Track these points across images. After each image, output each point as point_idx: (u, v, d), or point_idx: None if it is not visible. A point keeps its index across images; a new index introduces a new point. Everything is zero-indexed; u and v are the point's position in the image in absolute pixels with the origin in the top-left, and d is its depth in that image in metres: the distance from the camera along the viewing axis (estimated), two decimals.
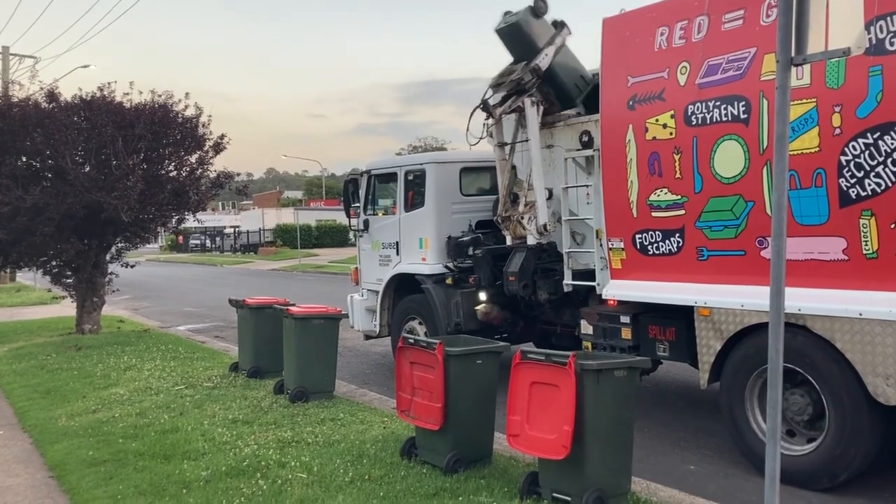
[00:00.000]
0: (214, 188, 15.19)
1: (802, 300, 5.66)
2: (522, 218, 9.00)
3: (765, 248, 6.02)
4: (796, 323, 5.75)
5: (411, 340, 6.35)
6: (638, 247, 7.15)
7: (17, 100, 14.21)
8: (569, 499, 5.13)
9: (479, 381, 6.16)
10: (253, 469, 6.20)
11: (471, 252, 9.77)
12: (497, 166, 9.37)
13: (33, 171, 14.01)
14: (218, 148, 14.96)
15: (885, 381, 5.34)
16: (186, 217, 15.74)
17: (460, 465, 5.98)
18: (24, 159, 13.93)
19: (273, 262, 46.11)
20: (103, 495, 5.89)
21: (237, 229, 69.77)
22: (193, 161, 14.86)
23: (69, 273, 15.05)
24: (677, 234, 6.76)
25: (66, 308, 17.12)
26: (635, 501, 5.34)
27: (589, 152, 7.95)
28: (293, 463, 6.31)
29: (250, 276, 36.08)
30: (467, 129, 9.21)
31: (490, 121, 9.28)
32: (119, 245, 15.53)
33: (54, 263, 14.96)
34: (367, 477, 5.95)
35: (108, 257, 15.40)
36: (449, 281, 9.88)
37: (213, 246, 71.14)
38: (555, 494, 5.22)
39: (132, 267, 16.45)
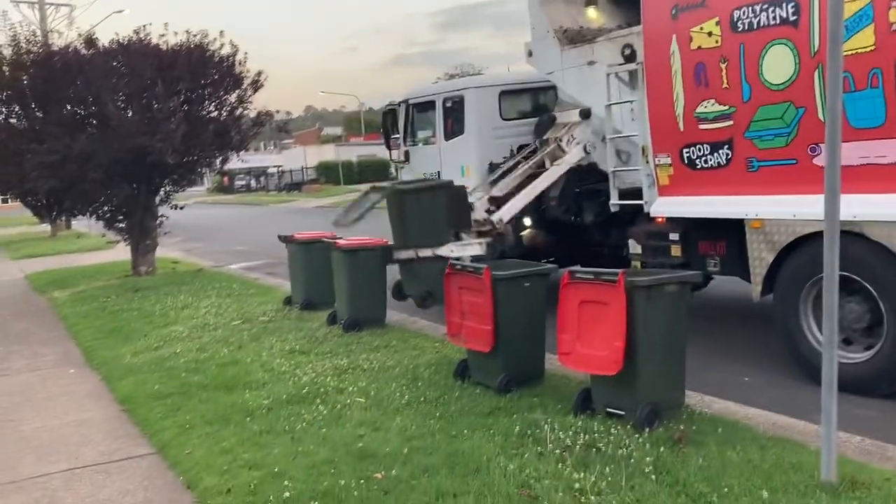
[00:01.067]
0: (255, 127, 15.26)
1: (858, 206, 5.50)
2: (561, 140, 8.87)
3: (817, 155, 5.86)
4: (852, 230, 5.60)
5: (458, 266, 6.40)
6: (686, 161, 7.02)
7: (57, 48, 14.35)
8: (623, 413, 5.20)
9: (528, 303, 6.20)
10: (312, 396, 6.39)
11: None
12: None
13: (78, 118, 14.24)
14: (256, 86, 14.97)
15: None
16: (230, 157, 15.88)
17: (512, 384, 6.08)
18: (68, 108, 14.13)
19: (317, 199, 46.47)
20: (172, 425, 6.15)
21: (280, 168, 70.31)
22: (233, 100, 14.91)
23: (121, 217, 15.39)
24: (726, 146, 6.61)
25: (121, 252, 17.58)
26: (689, 414, 5.38)
27: (632, 66, 7.72)
28: (351, 388, 6.49)
29: (296, 214, 36.50)
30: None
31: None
32: (167, 188, 15.80)
33: (106, 209, 15.30)
34: (422, 399, 6.10)
35: (157, 200, 15.69)
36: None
37: (258, 186, 71.95)
38: (609, 409, 5.29)
39: (181, 209, 16.75)
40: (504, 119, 10.30)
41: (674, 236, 7.33)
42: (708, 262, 7.12)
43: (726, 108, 6.56)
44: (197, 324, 10.06)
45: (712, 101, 6.67)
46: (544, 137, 9.13)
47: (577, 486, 4.25)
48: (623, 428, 5.05)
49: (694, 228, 7.21)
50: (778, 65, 6.10)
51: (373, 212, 8.65)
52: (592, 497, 4.10)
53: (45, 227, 31.41)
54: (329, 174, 59.77)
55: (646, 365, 5.10)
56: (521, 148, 9.98)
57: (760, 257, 6.44)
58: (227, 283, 13.69)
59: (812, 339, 6.25)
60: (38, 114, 14.01)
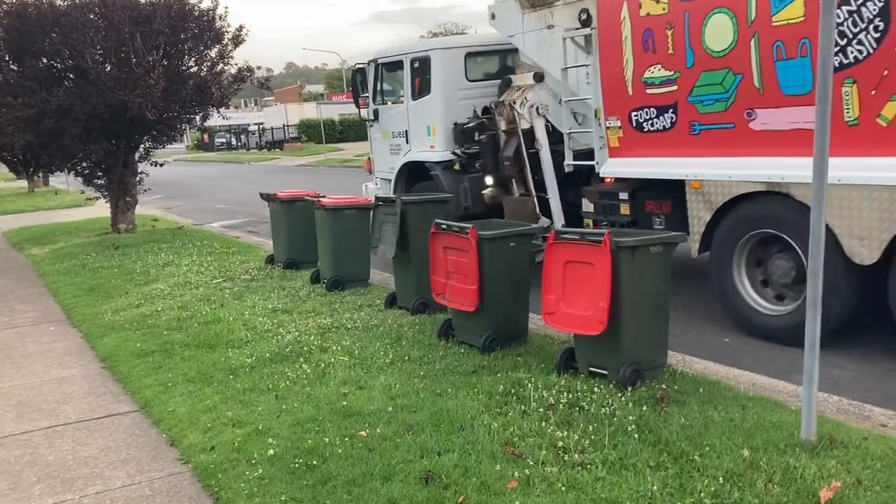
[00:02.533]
0: (236, 82, 14.99)
1: (786, 169, 6.00)
2: (515, 102, 9.05)
3: (753, 119, 6.24)
4: (780, 191, 6.10)
5: (444, 226, 6.36)
6: (634, 124, 7.32)
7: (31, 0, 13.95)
8: (605, 372, 5.23)
9: (513, 263, 6.19)
10: (296, 354, 6.38)
11: (476, 138, 9.79)
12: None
13: (55, 72, 13.91)
14: (237, 41, 14.67)
15: (859, 243, 5.66)
16: (210, 113, 15.65)
17: (496, 344, 6.10)
18: (45, 60, 13.80)
19: (299, 157, 46.07)
20: (154, 383, 6.12)
21: (261, 126, 69.46)
22: (213, 55, 14.64)
23: (100, 174, 15.18)
24: (671, 110, 6.92)
25: (101, 209, 17.37)
26: (671, 374, 5.43)
27: (587, 31, 7.86)
28: (334, 347, 6.48)
29: (278, 172, 36.19)
30: None
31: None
32: (146, 144, 15.56)
33: (84, 165, 15.08)
34: (406, 358, 6.10)
35: (136, 157, 15.47)
36: (457, 167, 9.97)
37: (239, 144, 71.12)
38: (591, 369, 5.32)
39: (161, 165, 16.53)
40: (469, 80, 10.38)
41: (623, 196, 7.64)
42: (654, 220, 7.45)
43: (671, 73, 6.85)
44: (178, 282, 9.98)
45: (659, 66, 6.95)
46: (500, 100, 9.35)
47: (560, 444, 4.29)
48: (606, 387, 5.09)
49: (641, 188, 7.53)
50: (718, 33, 6.37)
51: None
52: (576, 455, 4.14)
53: (23, 183, 30.94)
54: (311, 132, 59.15)
55: (629, 325, 5.12)
56: (485, 109, 10.03)
57: (699, 216, 6.80)
58: (209, 241, 13.58)
59: (745, 294, 6.68)
60: (12, 66, 13.67)
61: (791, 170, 5.96)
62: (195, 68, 14.65)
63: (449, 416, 4.82)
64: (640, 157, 7.37)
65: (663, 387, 5.06)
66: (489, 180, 9.64)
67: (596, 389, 5.04)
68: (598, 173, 7.90)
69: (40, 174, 28.52)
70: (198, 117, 15.37)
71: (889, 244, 5.53)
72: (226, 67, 14.74)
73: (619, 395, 4.96)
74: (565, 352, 5.51)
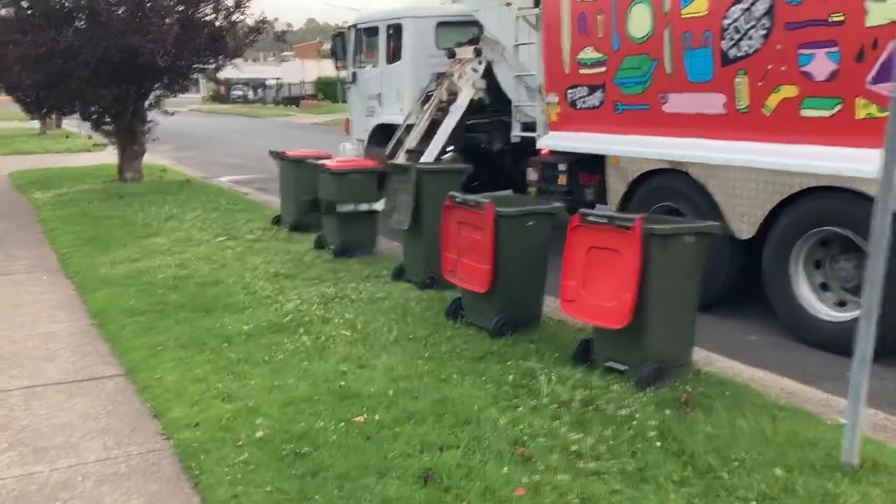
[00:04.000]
0: (252, 33, 14.49)
1: (686, 149, 6.63)
2: (453, 75, 9.81)
3: (665, 103, 6.84)
4: (680, 169, 6.73)
5: (458, 199, 5.95)
6: (569, 101, 7.91)
7: None
8: (624, 369, 4.85)
9: (531, 244, 5.79)
10: (296, 324, 6.02)
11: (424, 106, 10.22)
12: None
13: (66, 11, 13.44)
14: None
15: (740, 219, 6.24)
16: (224, 64, 15.17)
17: (507, 328, 5.73)
18: None
19: (314, 115, 45.52)
20: (143, 346, 5.79)
21: (279, 81, 68.64)
22: (230, 4, 14.13)
23: (108, 120, 14.80)
24: (599, 90, 7.50)
25: (109, 155, 17.01)
26: (695, 373, 5.04)
27: (537, 11, 8.31)
28: (337, 319, 6.12)
29: (292, 129, 35.69)
30: None
31: None
32: (157, 92, 15.13)
33: (93, 109, 14.68)
34: (411, 336, 5.74)
35: (146, 104, 15.05)
36: None
37: (255, 98, 70.40)
38: (609, 363, 4.94)
39: (171, 115, 16.10)
40: (440, 49, 10.66)
41: (562, 168, 8.24)
42: (586, 191, 8.08)
43: (601, 55, 7.42)
44: (180, 237, 9.63)
45: (591, 48, 7.53)
46: (442, 72, 9.94)
47: (574, 447, 3.92)
48: (624, 385, 4.71)
49: (576, 161, 8.11)
50: (639, 20, 6.93)
51: None
52: (591, 463, 3.77)
53: (36, 125, 30.54)
54: (327, 90, 58.34)
55: (655, 320, 4.73)
56: (439, 76, 10.46)
57: (616, 189, 7.46)
58: (215, 196, 13.20)
59: None
60: (22, 3, 13.21)
61: (691, 150, 6.58)
62: (211, 16, 14.17)
63: (454, 405, 4.46)
64: (574, 132, 7.95)
65: (687, 388, 4.67)
66: (449, 147, 10.22)
67: (614, 387, 4.66)
68: (537, 146, 8.51)
69: (53, 116, 28.07)
70: (211, 67, 14.89)
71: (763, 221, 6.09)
72: (242, 17, 14.25)
73: (640, 394, 4.58)
74: (582, 343, 5.13)
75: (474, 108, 9.72)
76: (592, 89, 7.61)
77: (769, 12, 5.90)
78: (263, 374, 5.10)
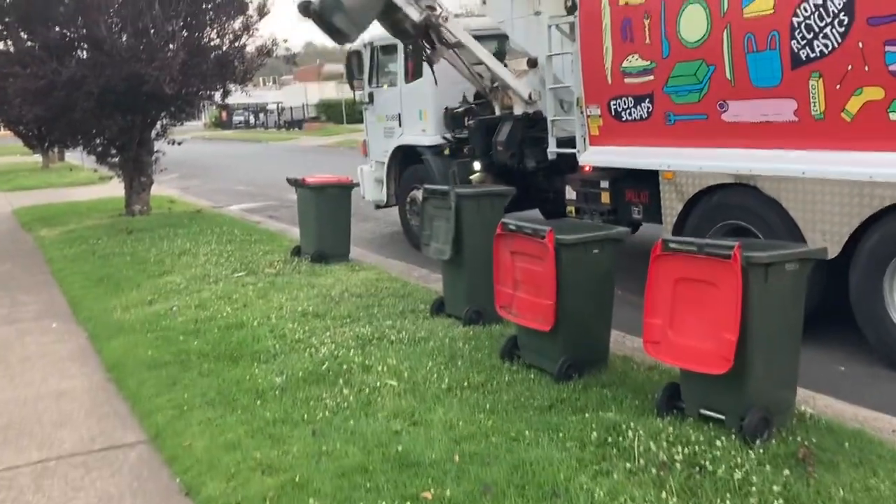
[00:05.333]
0: (261, 56, 13.96)
1: (754, 161, 6.04)
2: (509, 87, 9.12)
3: (724, 111, 6.25)
4: (748, 183, 6.12)
5: (512, 227, 5.34)
6: (613, 113, 7.33)
7: None
8: (722, 417, 4.22)
9: (596, 274, 5.17)
10: (334, 374, 5.40)
11: (465, 123, 9.77)
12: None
13: (67, 41, 12.96)
14: (262, 12, 13.66)
15: (822, 237, 5.62)
16: (232, 89, 14.66)
17: (574, 370, 5.10)
18: (56, 29, 12.84)
19: (319, 137, 45.03)
20: (167, 405, 5.17)
21: (280, 105, 68.36)
22: (237, 27, 13.62)
23: (114, 152, 14.28)
24: (647, 100, 6.93)
25: (115, 188, 16.43)
26: (799, 417, 4.41)
27: (571, 19, 7.80)
28: (379, 367, 5.49)
29: (297, 152, 35.17)
30: None
31: None
32: (164, 121, 14.61)
33: (98, 142, 14.19)
34: (465, 384, 5.11)
35: (153, 134, 14.52)
36: (446, 152, 9.99)
37: (257, 122, 70.05)
38: (703, 411, 4.31)
39: (179, 144, 15.54)
40: None
41: (604, 184, 7.67)
42: (633, 209, 7.50)
43: (648, 63, 6.84)
44: (196, 274, 9.04)
45: (636, 55, 6.95)
46: (493, 85, 9.32)
47: None
48: (728, 438, 4.07)
49: (621, 178, 7.53)
50: (692, 23, 6.36)
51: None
52: None
53: (38, 158, 30.10)
54: (330, 112, 58.05)
55: (757, 360, 4.10)
56: (476, 95, 10.02)
57: (672, 206, 6.83)
58: (228, 226, 12.62)
59: None
60: (21, 34, 12.71)
61: (759, 162, 6.00)
62: (217, 40, 13.66)
63: (534, 473, 3.83)
64: (619, 146, 7.37)
65: (799, 440, 4.04)
66: (477, 165, 9.52)
67: (717, 442, 4.02)
68: (579, 162, 7.88)
69: (55, 149, 27.62)
70: (218, 93, 14.37)
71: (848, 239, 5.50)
72: (250, 40, 13.73)
73: (747, 450, 3.95)
74: (667, 388, 4.50)
75: (529, 122, 9.08)
76: (639, 99, 7.01)
77: (848, 7, 5.31)
78: (305, 437, 4.48)
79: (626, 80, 7.11)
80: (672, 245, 4.30)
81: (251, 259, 9.72)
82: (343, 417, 4.70)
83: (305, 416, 4.76)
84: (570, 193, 8.19)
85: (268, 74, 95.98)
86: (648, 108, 6.95)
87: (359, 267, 9.06)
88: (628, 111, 7.17)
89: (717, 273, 4.04)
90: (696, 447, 3.99)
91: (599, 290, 5.20)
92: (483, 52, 9.09)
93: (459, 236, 6.43)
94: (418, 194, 10.43)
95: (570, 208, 8.25)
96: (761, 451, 3.94)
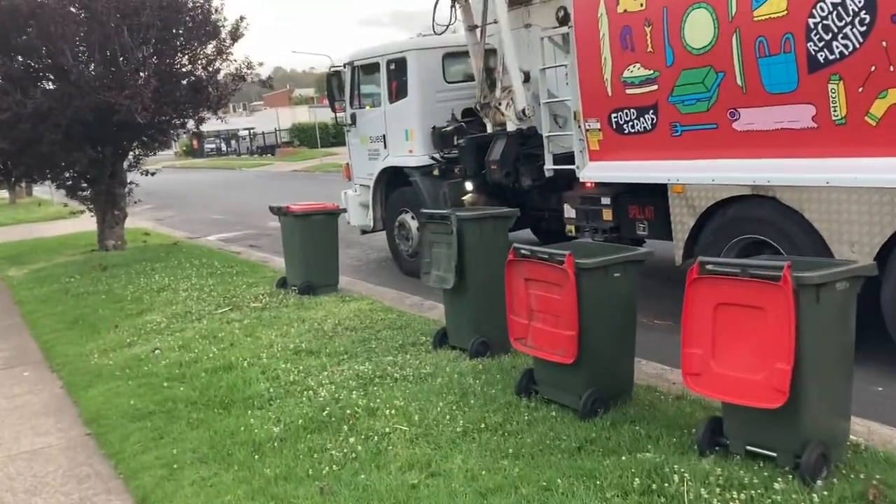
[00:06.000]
0: (236, 81, 13.51)
1: (772, 171, 5.71)
2: (500, 104, 8.81)
3: (736, 120, 5.92)
4: (766, 195, 5.80)
5: (525, 252, 4.94)
6: (614, 126, 6.99)
7: None
8: (773, 455, 3.83)
9: (618, 299, 4.79)
10: (337, 420, 4.94)
11: (455, 142, 9.41)
12: (470, 51, 9.12)
13: (32, 72, 12.44)
14: (235, 35, 13.24)
15: (850, 248, 5.33)
16: (206, 116, 14.19)
17: (599, 405, 4.70)
18: (19, 59, 12.30)
19: (293, 162, 44.49)
20: (155, 463, 4.69)
21: (252, 131, 67.73)
22: (210, 51, 13.17)
23: (85, 185, 13.72)
24: (651, 111, 6.60)
25: (87, 222, 15.83)
26: (853, 448, 4.03)
27: (564, 30, 7.49)
28: (385, 409, 5.04)
29: (273, 178, 34.66)
30: (433, 17, 9.44)
31: (457, 3, 9.10)
32: (136, 151, 14.10)
33: (67, 175, 13.62)
34: (483, 426, 4.68)
35: (125, 165, 14.00)
36: (435, 172, 9.59)
37: (229, 149, 69.33)
38: (751, 448, 3.92)
39: (153, 175, 15.02)
40: (448, 82, 9.97)
41: (605, 201, 7.36)
42: (637, 226, 7.19)
43: (651, 72, 6.52)
44: (177, 311, 8.53)
45: (638, 65, 6.62)
46: (484, 101, 9.00)
47: None
48: (784, 479, 3.67)
49: (624, 193, 7.25)
50: (698, 29, 6.04)
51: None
52: None
53: (4, 194, 29.30)
54: (303, 137, 57.53)
55: (813, 390, 3.73)
56: (465, 112, 9.64)
57: (682, 221, 6.49)
58: (208, 258, 12.11)
59: None
60: None
61: (777, 172, 5.70)
62: (189, 66, 13.19)
63: None
64: (621, 161, 7.01)
65: (869, 479, 3.65)
66: (469, 185, 9.16)
67: (775, 485, 3.62)
68: (579, 178, 7.50)
69: (23, 184, 26.88)
70: (192, 121, 13.89)
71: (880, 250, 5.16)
72: (224, 64, 13.28)
73: (810, 493, 3.55)
74: (709, 424, 4.10)
75: (522, 139, 8.73)
76: (642, 111, 6.67)
77: (870, 5, 5.01)
78: (312, 496, 4.02)
79: (628, 91, 6.77)
80: (710, 267, 3.93)
81: (235, 293, 9.24)
82: (352, 471, 4.25)
83: (310, 470, 4.30)
84: (569, 211, 7.84)
85: (238, 101, 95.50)
86: (653, 119, 6.61)
87: (349, 297, 8.62)
88: (630, 123, 6.83)
89: (765, 296, 3.66)
90: (753, 492, 3.59)
91: (623, 316, 4.82)
92: (509, 44, 8.57)
93: (462, 263, 6.03)
94: (407, 218, 10.08)
95: (570, 227, 7.91)
96: (825, 492, 3.55)
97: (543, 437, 4.45)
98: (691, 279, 3.95)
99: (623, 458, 4.07)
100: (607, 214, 7.37)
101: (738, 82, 5.85)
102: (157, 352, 7.00)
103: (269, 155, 56.32)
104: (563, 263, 4.58)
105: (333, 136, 56.17)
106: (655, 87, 6.51)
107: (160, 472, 4.54)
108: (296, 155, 50.42)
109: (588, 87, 7.18)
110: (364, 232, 11.32)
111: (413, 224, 9.91)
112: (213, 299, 8.98)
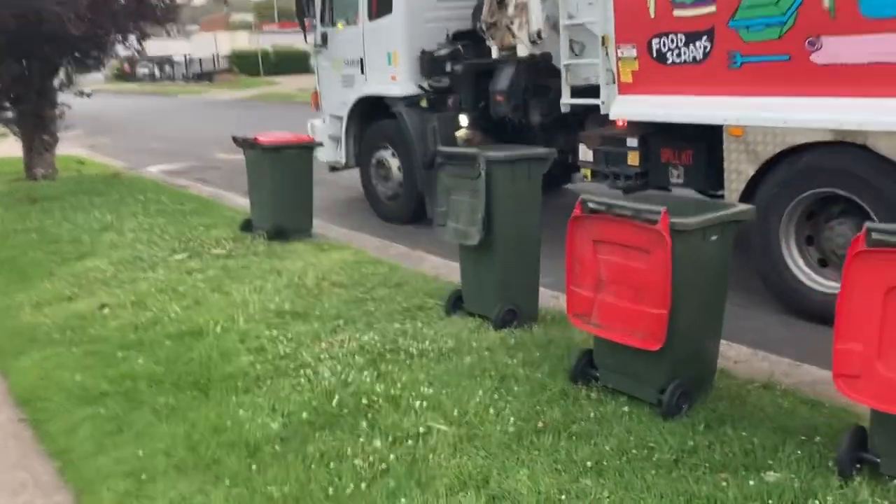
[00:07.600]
0: None
1: (865, 114, 4.79)
2: (512, 24, 7.61)
3: (816, 50, 4.99)
4: (854, 142, 4.90)
5: (596, 205, 3.90)
6: (655, 55, 6.05)
7: None
8: None
9: (714, 268, 3.83)
10: (352, 413, 3.89)
11: (449, 68, 8.22)
12: None
13: None
14: None
15: None
16: (150, 32, 12.58)
17: (684, 399, 3.78)
18: None
19: (233, 90, 42.17)
20: (115, 470, 3.59)
21: (188, 56, 64.22)
22: None
23: (8, 104, 12.06)
24: (705, 37, 5.68)
25: (12, 147, 14.09)
26: None
27: None
28: (410, 397, 4.00)
29: (212, 106, 32.54)
30: None
31: None
32: (68, 68, 12.43)
33: None
34: (540, 424, 3.71)
35: (56, 84, 12.33)
36: (423, 103, 8.42)
37: (163, 75, 65.72)
38: None
39: (89, 96, 13.32)
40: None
41: (632, 142, 6.48)
42: (671, 172, 6.33)
43: None
44: (124, 257, 7.28)
45: None
46: (491, 21, 7.76)
47: None
48: None
49: (656, 133, 6.38)
50: None
51: None
52: None
53: None
54: (243, 64, 54.79)
55: None
56: (458, 35, 8.43)
57: (739, 170, 5.60)
58: (153, 192, 10.73)
59: (794, 266, 5.48)
60: None
61: (871, 114, 4.75)
62: None
63: None
64: (662, 96, 6.08)
65: None
66: (464, 120, 8.14)
67: None
68: (606, 114, 6.55)
69: None
70: (135, 36, 12.26)
71: None
72: None
73: None
74: (853, 435, 3.19)
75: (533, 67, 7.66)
76: (693, 37, 5.70)
77: None
78: None
79: (676, 13, 5.79)
80: (876, 236, 2.97)
81: (191, 235, 7.99)
82: (386, 491, 3.23)
83: (330, 490, 3.26)
84: (586, 154, 6.89)
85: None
86: (706, 47, 5.65)
87: (327, 245, 7.50)
88: (677, 51, 5.84)
89: None
90: None
91: (716, 290, 3.87)
92: None
93: (490, 215, 4.96)
94: (386, 155, 8.92)
95: (586, 171, 6.95)
96: None
97: (624, 444, 3.51)
98: (852, 254, 2.99)
99: (741, 476, 3.15)
100: (633, 158, 6.47)
101: (826, 4, 4.88)
102: (104, 309, 5.79)
103: (206, 82, 53.45)
104: (658, 223, 3.56)
105: (274, 65, 53.71)
106: (713, 8, 5.54)
107: (123, 485, 3.45)
108: (235, 83, 47.87)
109: (624, 8, 6.19)
110: (333, 169, 10.04)
111: (394, 162, 8.79)
112: (165, 243, 7.72)
